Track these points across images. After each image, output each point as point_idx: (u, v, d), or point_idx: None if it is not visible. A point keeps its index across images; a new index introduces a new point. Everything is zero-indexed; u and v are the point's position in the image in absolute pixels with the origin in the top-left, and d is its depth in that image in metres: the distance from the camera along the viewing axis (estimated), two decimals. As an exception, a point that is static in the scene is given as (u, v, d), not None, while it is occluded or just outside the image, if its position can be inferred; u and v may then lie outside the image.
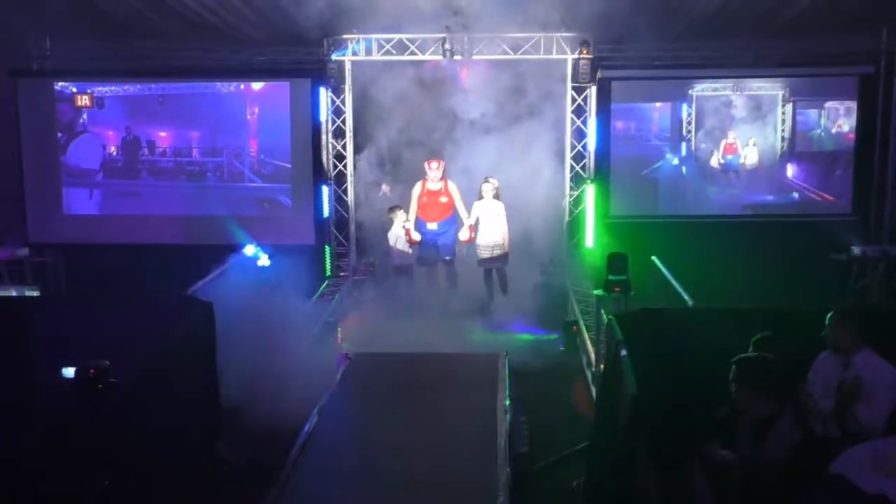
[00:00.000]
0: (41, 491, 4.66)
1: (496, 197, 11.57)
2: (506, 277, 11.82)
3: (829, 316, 5.42)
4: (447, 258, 11.88)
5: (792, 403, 4.79)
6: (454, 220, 11.86)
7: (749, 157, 13.31)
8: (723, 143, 13.28)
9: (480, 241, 11.63)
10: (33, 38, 13.14)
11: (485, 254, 11.66)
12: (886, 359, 5.27)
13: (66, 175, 13.50)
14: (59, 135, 13.40)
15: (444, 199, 11.75)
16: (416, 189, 11.85)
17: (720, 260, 11.71)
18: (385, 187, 13.50)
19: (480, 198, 11.57)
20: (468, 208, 11.67)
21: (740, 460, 4.65)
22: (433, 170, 11.62)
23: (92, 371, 5.06)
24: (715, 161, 13.33)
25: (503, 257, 11.66)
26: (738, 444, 4.70)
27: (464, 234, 11.67)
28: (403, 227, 11.77)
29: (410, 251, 11.90)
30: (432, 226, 11.78)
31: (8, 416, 5.56)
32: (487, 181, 11.60)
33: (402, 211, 11.91)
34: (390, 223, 11.95)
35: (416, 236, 11.77)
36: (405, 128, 13.01)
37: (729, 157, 13.30)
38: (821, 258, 11.92)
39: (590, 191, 12.91)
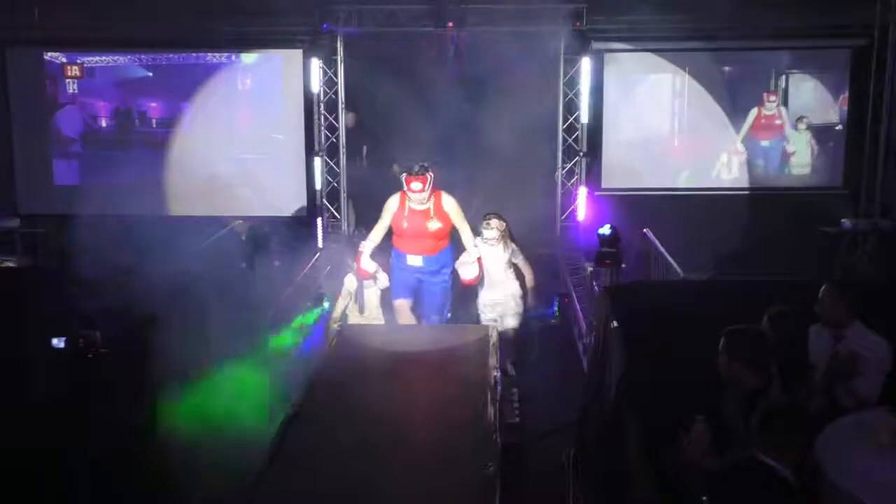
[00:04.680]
0: (32, 459, 4.67)
1: (507, 240, 8.18)
2: (513, 351, 8.40)
3: (822, 289, 5.43)
4: (434, 317, 8.16)
5: (779, 375, 4.82)
6: (450, 254, 8.10)
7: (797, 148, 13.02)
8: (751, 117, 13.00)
9: (482, 297, 8.35)
10: (21, 8, 13.00)
11: (487, 314, 8.32)
12: (875, 332, 5.30)
13: (57, 146, 13.40)
14: (50, 105, 13.26)
15: (434, 225, 7.83)
16: (393, 202, 7.91)
17: (711, 232, 11.72)
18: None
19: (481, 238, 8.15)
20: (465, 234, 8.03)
21: (730, 433, 4.67)
22: (416, 191, 7.67)
23: (82, 341, 5.07)
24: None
25: (516, 318, 8.39)
26: (726, 417, 4.72)
27: (469, 272, 7.92)
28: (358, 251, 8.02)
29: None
30: (414, 260, 7.93)
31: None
32: (488, 221, 8.08)
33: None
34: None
35: (371, 267, 7.95)
36: (390, 101, 12.81)
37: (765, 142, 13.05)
38: (811, 231, 11.92)
39: (582, 164, 12.89)
